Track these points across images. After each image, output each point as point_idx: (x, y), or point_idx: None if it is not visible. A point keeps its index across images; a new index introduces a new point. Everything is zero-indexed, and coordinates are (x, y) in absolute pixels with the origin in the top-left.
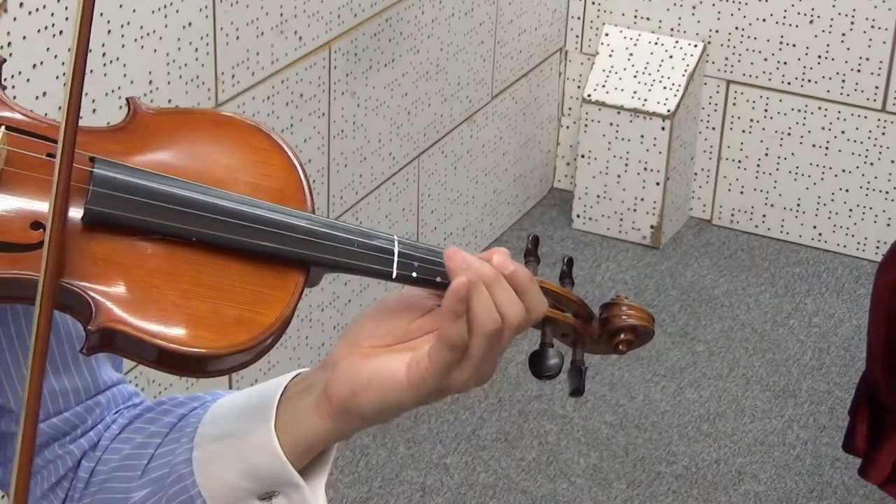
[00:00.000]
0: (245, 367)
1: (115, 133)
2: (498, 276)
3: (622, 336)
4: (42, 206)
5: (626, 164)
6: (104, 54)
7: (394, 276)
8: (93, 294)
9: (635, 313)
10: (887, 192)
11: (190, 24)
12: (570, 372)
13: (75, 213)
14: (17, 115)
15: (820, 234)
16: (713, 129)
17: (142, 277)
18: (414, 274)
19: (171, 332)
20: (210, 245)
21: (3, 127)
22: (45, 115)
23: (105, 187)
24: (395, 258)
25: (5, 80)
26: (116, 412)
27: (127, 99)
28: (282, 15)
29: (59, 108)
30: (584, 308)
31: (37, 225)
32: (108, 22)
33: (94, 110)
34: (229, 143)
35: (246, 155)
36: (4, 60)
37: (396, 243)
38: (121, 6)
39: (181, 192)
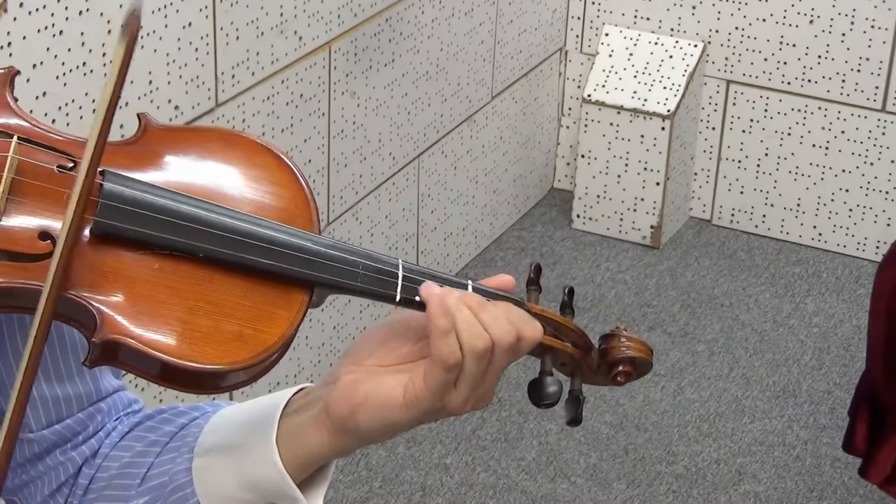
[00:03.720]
0: (246, 385)
1: (125, 147)
2: (482, 300)
3: (620, 368)
4: (51, 218)
5: (626, 164)
6: (104, 54)
7: (397, 299)
8: (98, 306)
9: (634, 345)
10: (887, 192)
11: (190, 24)
12: (567, 401)
13: (84, 224)
14: (31, 127)
15: (820, 234)
16: (713, 129)
17: (147, 291)
18: (417, 298)
19: (174, 347)
20: (216, 262)
21: (15, 137)
22: (45, 115)
23: (114, 201)
24: (399, 282)
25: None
26: (117, 419)
27: (138, 114)
28: (282, 15)
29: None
30: (584, 338)
31: (45, 236)
32: (109, 22)
33: (94, 111)
34: (238, 162)
35: (254, 173)
36: (18, 73)
37: (401, 267)
38: (121, 6)
39: (190, 208)
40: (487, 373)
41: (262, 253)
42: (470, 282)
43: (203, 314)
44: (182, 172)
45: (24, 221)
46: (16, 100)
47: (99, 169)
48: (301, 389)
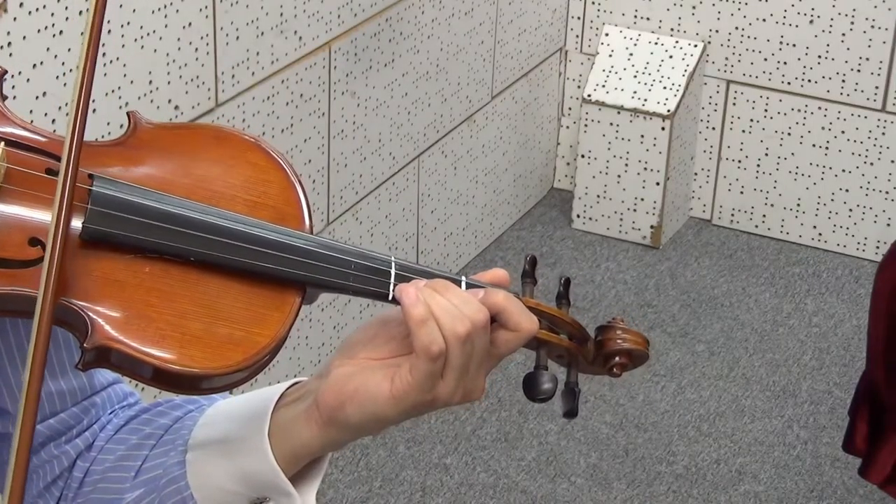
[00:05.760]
0: (241, 385)
1: (114, 148)
2: (447, 283)
3: (617, 359)
4: (40, 223)
5: (626, 164)
6: (104, 54)
7: (390, 297)
8: (89, 312)
9: (630, 337)
10: (887, 192)
11: (190, 24)
12: (563, 394)
13: (73, 230)
14: (18, 130)
15: (820, 234)
16: (713, 129)
17: (139, 296)
18: None
19: (166, 352)
20: (207, 264)
21: (2, 143)
22: (45, 115)
23: (103, 206)
24: (392, 280)
25: (4, 80)
26: (112, 412)
27: (128, 113)
28: (282, 15)
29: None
30: (580, 330)
31: (34, 241)
32: (108, 22)
33: (93, 110)
34: (229, 160)
35: (245, 172)
36: (6, 72)
37: (393, 265)
38: (121, 6)
39: (180, 211)
40: (472, 358)
41: (254, 255)
42: (464, 278)
43: (194, 317)
44: (172, 172)
45: (13, 228)
46: (4, 98)
47: (87, 173)
48: (296, 383)
